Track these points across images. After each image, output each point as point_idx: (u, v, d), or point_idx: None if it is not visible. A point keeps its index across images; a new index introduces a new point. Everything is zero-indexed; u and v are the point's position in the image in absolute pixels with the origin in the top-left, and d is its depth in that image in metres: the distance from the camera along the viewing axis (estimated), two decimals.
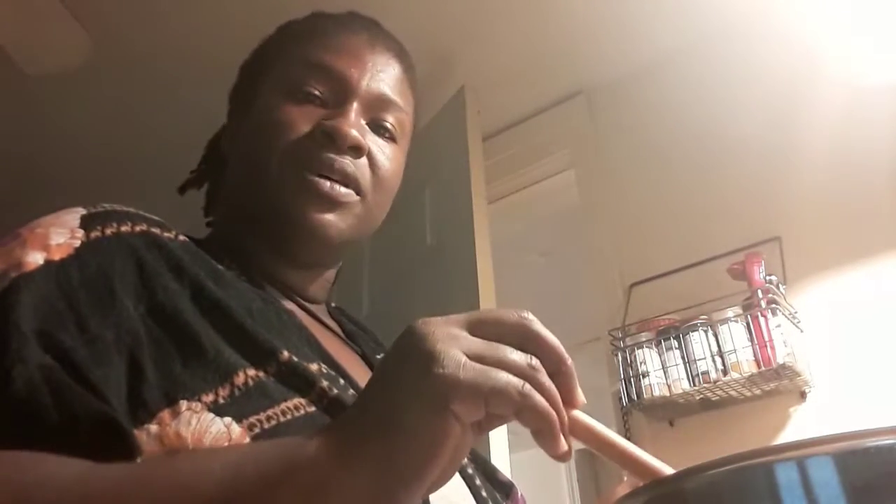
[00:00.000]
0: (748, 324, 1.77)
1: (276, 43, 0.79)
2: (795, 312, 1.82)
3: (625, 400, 1.90)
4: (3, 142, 2.53)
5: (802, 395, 1.81)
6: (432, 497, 0.57)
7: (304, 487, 0.40)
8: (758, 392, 1.80)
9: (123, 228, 0.59)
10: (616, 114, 2.39)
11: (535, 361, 0.43)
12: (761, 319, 1.74)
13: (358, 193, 0.71)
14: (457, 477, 0.67)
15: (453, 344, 0.42)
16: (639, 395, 1.85)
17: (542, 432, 0.43)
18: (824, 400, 1.79)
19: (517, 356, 0.43)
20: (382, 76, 0.74)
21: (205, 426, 0.50)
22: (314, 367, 0.59)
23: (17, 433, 0.45)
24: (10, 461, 0.43)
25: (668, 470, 0.45)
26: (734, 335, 1.77)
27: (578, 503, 4.44)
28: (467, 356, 0.41)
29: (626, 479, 0.72)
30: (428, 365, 0.41)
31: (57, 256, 0.54)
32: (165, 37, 2.21)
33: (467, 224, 1.99)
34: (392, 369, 0.43)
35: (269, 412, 0.53)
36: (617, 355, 1.93)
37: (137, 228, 0.60)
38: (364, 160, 0.72)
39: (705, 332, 1.82)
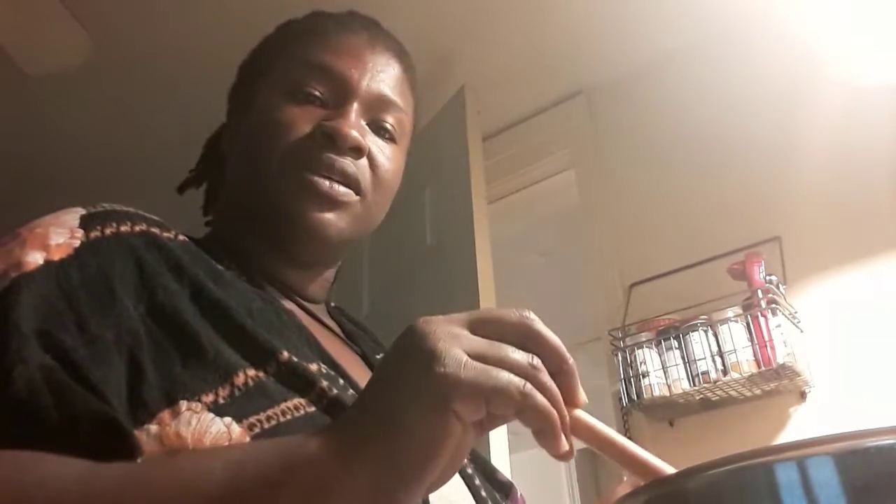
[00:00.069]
0: (748, 324, 1.77)
1: (275, 42, 0.79)
2: (795, 312, 1.82)
3: (625, 400, 1.90)
4: (3, 142, 2.53)
5: (802, 395, 1.81)
6: (432, 497, 0.57)
7: (304, 487, 0.40)
8: (758, 392, 1.80)
9: (123, 228, 0.59)
10: (616, 114, 2.39)
11: (537, 361, 0.43)
12: (761, 319, 1.74)
13: (358, 193, 0.71)
14: (456, 477, 0.67)
15: (454, 343, 0.42)
16: (639, 395, 1.85)
17: (544, 432, 0.43)
18: (824, 400, 1.79)
19: (519, 355, 0.43)
20: (382, 76, 0.75)
21: (205, 426, 0.50)
22: (314, 367, 0.59)
23: (17, 433, 0.45)
24: (11, 461, 0.43)
25: (668, 469, 0.45)
26: (734, 335, 1.77)
27: (578, 503, 4.44)
28: (468, 355, 0.41)
29: (626, 478, 0.72)
30: (429, 364, 0.41)
31: (57, 256, 0.54)
32: (165, 37, 2.21)
33: (467, 224, 1.99)
34: (393, 369, 0.43)
35: (269, 412, 0.53)
36: (617, 355, 1.93)
37: (137, 228, 0.60)
38: (364, 161, 0.72)
39: (705, 332, 1.82)
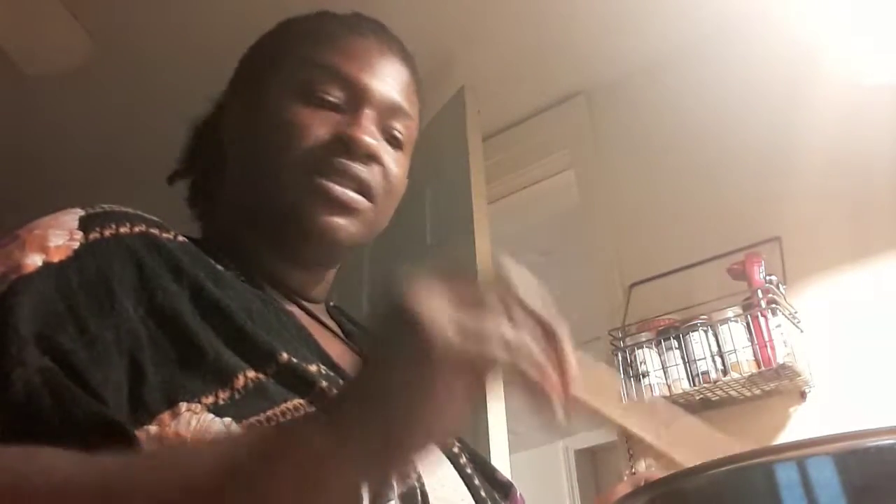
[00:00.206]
0: (748, 324, 1.77)
1: (283, 40, 0.78)
2: (795, 312, 1.82)
3: (625, 400, 1.89)
4: (2, 142, 2.53)
5: (802, 395, 1.81)
6: (431, 497, 0.57)
7: (300, 460, 0.41)
8: (758, 392, 1.80)
9: (122, 230, 0.59)
10: (616, 114, 2.39)
11: (523, 324, 0.44)
12: (761, 319, 1.74)
13: (369, 200, 0.71)
14: (456, 477, 0.67)
15: (441, 310, 0.42)
16: (639, 395, 1.85)
17: (534, 393, 0.43)
18: (824, 400, 1.79)
19: (504, 319, 0.43)
20: (393, 83, 0.75)
21: (205, 427, 0.50)
22: (313, 368, 0.59)
23: (17, 435, 0.45)
24: (10, 452, 0.44)
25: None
26: (734, 335, 1.77)
27: (578, 503, 4.44)
28: (456, 323, 0.42)
29: (625, 478, 0.72)
30: (415, 332, 0.41)
31: (56, 258, 0.54)
32: (165, 37, 2.21)
33: (467, 224, 1.99)
34: (379, 339, 0.44)
35: (269, 413, 0.53)
36: (617, 355, 1.93)
37: (136, 229, 0.60)
38: (376, 167, 0.72)
39: (705, 332, 1.82)
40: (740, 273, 1.84)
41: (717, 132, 2.14)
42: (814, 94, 1.96)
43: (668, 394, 1.82)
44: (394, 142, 0.75)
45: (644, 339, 1.90)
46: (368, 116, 0.72)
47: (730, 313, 1.80)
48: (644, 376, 1.85)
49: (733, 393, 1.80)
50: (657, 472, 0.74)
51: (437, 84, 2.24)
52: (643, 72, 2.34)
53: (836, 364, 1.79)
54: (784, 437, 1.81)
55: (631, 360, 1.89)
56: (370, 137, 0.70)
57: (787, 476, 0.33)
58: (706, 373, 1.78)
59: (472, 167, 2.06)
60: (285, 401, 0.54)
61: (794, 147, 1.97)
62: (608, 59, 2.34)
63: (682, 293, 1.97)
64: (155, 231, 0.62)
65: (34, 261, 0.53)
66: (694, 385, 1.79)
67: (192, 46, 2.19)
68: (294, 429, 0.43)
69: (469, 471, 0.69)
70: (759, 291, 1.77)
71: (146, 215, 0.63)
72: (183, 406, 0.51)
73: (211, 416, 0.51)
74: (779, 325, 1.73)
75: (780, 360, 1.70)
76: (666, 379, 1.83)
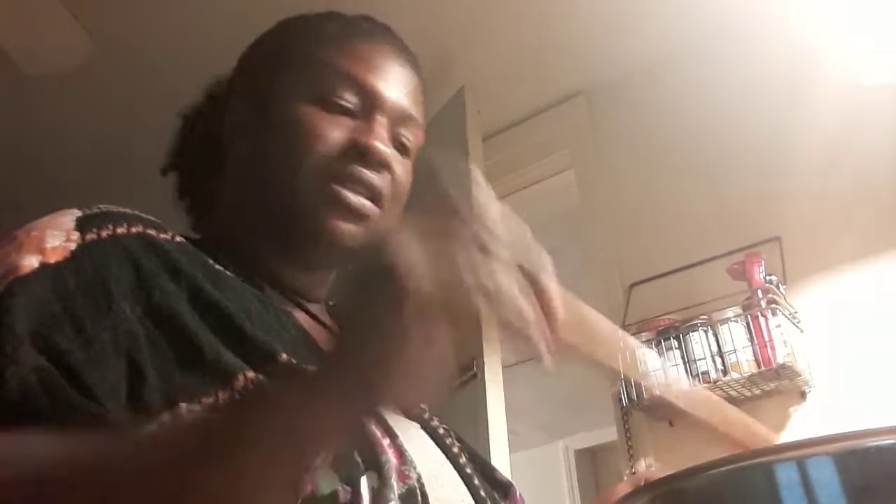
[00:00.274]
0: (748, 324, 1.77)
1: (294, 40, 0.77)
2: (795, 312, 1.82)
3: (625, 400, 1.90)
4: (2, 141, 2.53)
5: (802, 395, 1.81)
6: (431, 497, 0.57)
7: (285, 412, 0.41)
8: (758, 392, 1.80)
9: (119, 230, 0.59)
10: (616, 114, 2.39)
11: (504, 268, 0.43)
12: (761, 319, 1.74)
13: (379, 207, 0.71)
14: (455, 477, 0.67)
15: (418, 256, 0.42)
16: (639, 394, 1.85)
17: (519, 337, 0.43)
18: (824, 400, 1.79)
19: (484, 263, 0.43)
20: (405, 90, 0.75)
21: None
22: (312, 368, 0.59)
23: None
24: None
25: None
26: (734, 335, 1.77)
27: (578, 503, 4.44)
28: (433, 270, 0.41)
29: (625, 478, 0.72)
30: (391, 280, 0.41)
31: (52, 259, 0.54)
32: (165, 37, 2.21)
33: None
34: (359, 288, 0.45)
35: None
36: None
37: (133, 230, 0.60)
38: (387, 175, 0.72)
39: (705, 332, 1.82)
40: (740, 273, 1.84)
41: (717, 132, 2.14)
42: (814, 94, 1.96)
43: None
44: (402, 149, 0.75)
45: (644, 339, 1.90)
46: (381, 123, 0.72)
47: (730, 313, 1.80)
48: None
49: (733, 393, 1.80)
50: (657, 472, 0.75)
51: (437, 84, 2.24)
52: (643, 72, 2.34)
53: (836, 364, 1.79)
54: (784, 437, 1.81)
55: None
56: (384, 146, 0.70)
57: (787, 476, 0.33)
58: (706, 373, 1.78)
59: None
60: None
61: (794, 147, 1.97)
62: (608, 58, 2.34)
63: (682, 293, 1.97)
64: (152, 231, 0.61)
65: (31, 262, 0.53)
66: (694, 385, 1.79)
67: (192, 46, 2.18)
68: (274, 383, 0.44)
69: (469, 470, 0.69)
70: (759, 291, 1.77)
71: (144, 216, 0.63)
72: (183, 407, 0.51)
73: None
74: (779, 325, 1.73)
75: (780, 360, 1.70)
76: (666, 379, 1.83)
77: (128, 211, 0.62)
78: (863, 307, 1.80)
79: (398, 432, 0.59)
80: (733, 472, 0.34)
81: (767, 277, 1.81)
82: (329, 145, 0.69)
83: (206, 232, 0.77)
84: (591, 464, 4.70)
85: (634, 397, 1.86)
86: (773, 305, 1.74)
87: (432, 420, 0.73)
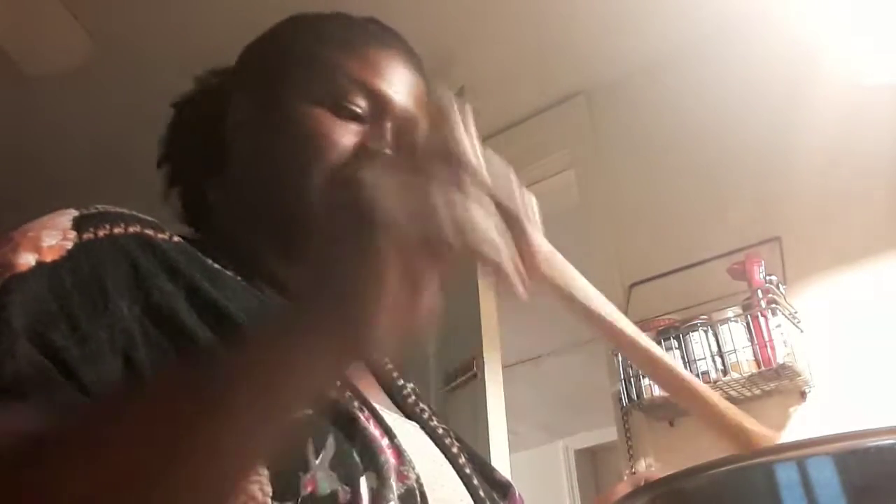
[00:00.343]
0: (748, 324, 1.77)
1: (304, 42, 0.76)
2: (795, 312, 1.82)
3: (625, 400, 1.90)
4: (2, 142, 2.53)
5: (802, 395, 1.81)
6: (430, 497, 0.57)
7: (265, 343, 0.41)
8: (758, 392, 1.80)
9: (116, 230, 0.59)
10: (616, 114, 2.39)
11: (478, 202, 0.42)
12: (761, 319, 1.74)
13: None
14: (454, 477, 0.67)
15: (388, 191, 0.41)
16: (639, 394, 1.85)
17: (494, 273, 0.42)
18: (824, 400, 1.79)
19: (458, 196, 0.42)
20: (412, 96, 0.74)
21: None
22: None
23: None
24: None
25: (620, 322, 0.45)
26: (734, 335, 1.77)
27: (578, 503, 4.44)
28: (403, 204, 0.41)
29: (625, 478, 0.72)
30: (360, 215, 0.41)
31: (49, 258, 0.54)
32: (165, 37, 2.21)
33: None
34: (329, 225, 0.44)
35: None
36: (617, 355, 1.93)
37: (131, 230, 0.60)
38: None
39: (705, 332, 1.82)
40: (740, 273, 1.84)
41: (716, 132, 2.14)
42: (814, 94, 1.96)
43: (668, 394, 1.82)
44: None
45: None
46: (390, 129, 0.72)
47: (730, 313, 1.80)
48: (644, 376, 1.85)
49: (733, 393, 1.80)
50: (657, 472, 0.74)
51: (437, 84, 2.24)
52: (643, 72, 2.34)
53: (836, 364, 1.79)
54: (784, 437, 1.81)
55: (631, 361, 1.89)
56: (392, 151, 0.70)
57: (787, 476, 0.33)
58: (706, 373, 1.78)
59: None
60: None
61: (794, 147, 1.97)
62: (608, 59, 2.34)
63: (682, 293, 1.97)
64: (150, 231, 0.61)
65: (27, 260, 0.53)
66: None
67: (192, 46, 2.18)
68: (255, 329, 0.43)
69: (468, 471, 0.69)
70: (759, 291, 1.77)
71: (141, 216, 0.63)
72: None
73: None
74: (779, 325, 1.73)
75: (780, 360, 1.70)
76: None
77: (125, 211, 0.62)
78: (863, 307, 1.80)
79: (396, 432, 0.59)
80: (733, 472, 0.34)
81: (767, 277, 1.81)
82: (338, 149, 0.69)
83: (203, 231, 0.77)
84: (591, 464, 4.70)
85: (634, 397, 1.86)
86: (773, 305, 1.74)
87: (431, 420, 0.73)
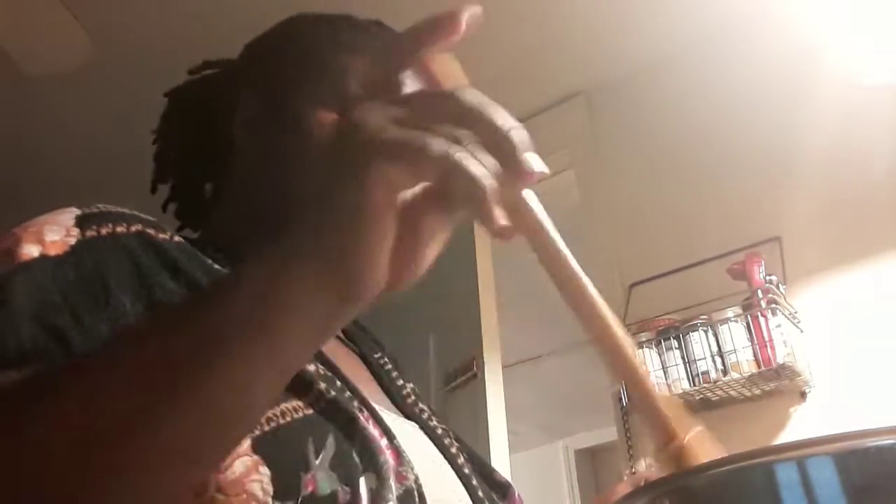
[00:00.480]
0: (748, 324, 1.77)
1: (311, 43, 0.76)
2: (795, 312, 1.82)
3: (625, 400, 1.90)
4: (2, 141, 2.54)
5: (802, 395, 1.81)
6: (429, 498, 0.57)
7: (254, 288, 0.39)
8: (758, 392, 1.81)
9: (119, 229, 0.59)
10: (616, 114, 2.39)
11: (468, 132, 0.39)
12: (761, 319, 1.74)
13: None
14: (454, 477, 0.67)
15: (371, 112, 0.40)
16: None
17: (474, 202, 0.38)
18: (824, 400, 1.79)
19: (445, 126, 0.39)
20: None
21: None
22: (311, 368, 0.59)
23: None
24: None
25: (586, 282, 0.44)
26: (734, 335, 1.77)
27: (578, 503, 4.44)
28: (391, 122, 0.39)
29: (625, 478, 0.72)
30: (347, 134, 0.39)
31: (52, 252, 0.54)
32: (165, 37, 2.21)
33: (467, 223, 1.99)
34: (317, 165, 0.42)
35: (269, 414, 0.52)
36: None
37: (133, 229, 0.60)
38: None
39: (705, 332, 1.82)
40: (740, 273, 1.84)
41: (716, 132, 2.14)
42: (814, 94, 1.96)
43: (667, 394, 1.82)
44: None
45: (644, 339, 1.90)
46: None
47: (730, 313, 1.80)
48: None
49: (733, 393, 1.80)
50: (657, 472, 0.74)
51: None
52: (643, 71, 2.35)
53: (836, 364, 1.79)
54: (784, 437, 1.81)
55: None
56: None
57: (787, 476, 0.33)
58: (706, 373, 1.78)
59: None
60: (284, 401, 0.54)
61: (795, 147, 1.97)
62: (608, 58, 2.34)
63: (682, 293, 1.97)
64: (151, 231, 0.61)
65: (31, 251, 0.53)
66: (694, 385, 1.79)
67: (192, 47, 2.18)
68: (243, 267, 0.41)
69: (467, 471, 0.69)
70: (759, 291, 1.77)
71: (142, 216, 0.63)
72: None
73: None
74: (779, 325, 1.73)
75: (780, 360, 1.70)
76: (666, 379, 1.83)
77: (126, 211, 0.62)
78: (863, 307, 1.80)
79: (396, 433, 0.59)
80: (733, 472, 0.34)
81: (767, 277, 1.81)
82: None
83: (202, 230, 0.77)
84: (591, 464, 4.71)
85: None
86: (773, 305, 1.74)
87: (431, 420, 0.73)
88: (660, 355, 1.86)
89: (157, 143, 0.83)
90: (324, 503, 0.50)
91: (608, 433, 3.21)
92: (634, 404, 0.43)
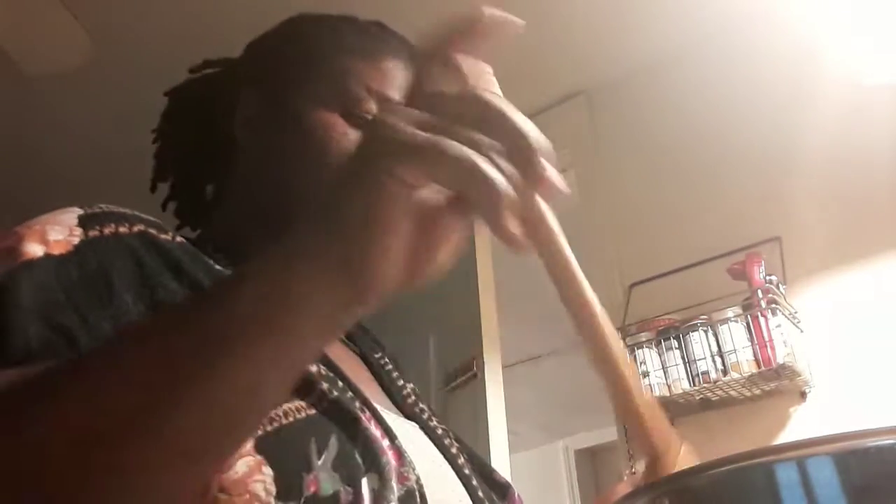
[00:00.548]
0: (748, 324, 1.77)
1: (314, 43, 0.76)
2: (795, 312, 1.82)
3: None
4: (2, 141, 2.54)
5: (802, 395, 1.81)
6: (430, 498, 0.57)
7: (264, 282, 0.39)
8: (758, 392, 1.81)
9: (122, 229, 0.59)
10: (616, 114, 2.39)
11: (487, 139, 0.39)
12: (761, 319, 1.74)
13: None
14: (454, 477, 0.67)
15: (391, 115, 0.39)
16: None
17: (486, 208, 0.37)
18: (824, 400, 1.79)
19: (465, 129, 0.38)
20: None
21: None
22: (313, 369, 0.59)
23: None
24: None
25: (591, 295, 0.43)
26: (734, 335, 1.77)
27: (578, 503, 4.44)
28: (410, 125, 0.38)
29: (625, 478, 0.72)
30: (367, 138, 0.39)
31: (56, 251, 0.54)
32: (165, 37, 2.21)
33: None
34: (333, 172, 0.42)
35: (272, 414, 0.53)
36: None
37: (135, 229, 0.60)
38: None
39: (705, 332, 1.82)
40: (740, 273, 1.84)
41: (717, 132, 2.14)
42: (814, 94, 1.96)
43: (668, 394, 1.82)
44: None
45: (644, 339, 1.90)
46: None
47: (730, 313, 1.80)
48: (644, 376, 1.85)
49: (733, 393, 1.80)
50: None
51: None
52: (643, 71, 2.35)
53: (836, 364, 1.79)
54: (784, 437, 1.81)
55: (631, 361, 1.89)
56: None
57: (787, 476, 0.33)
58: (706, 373, 1.78)
59: None
60: (287, 401, 0.54)
61: (795, 147, 1.97)
62: (609, 58, 2.34)
63: (682, 293, 1.97)
64: (153, 231, 0.61)
65: (35, 250, 0.53)
66: (694, 385, 1.79)
67: (192, 47, 2.18)
68: (253, 265, 0.40)
69: (467, 471, 0.69)
70: (759, 291, 1.77)
71: (144, 216, 0.63)
72: None
73: None
74: (779, 325, 1.73)
75: (780, 360, 1.70)
76: (666, 379, 1.83)
77: (128, 211, 0.62)
78: (863, 307, 1.80)
79: (397, 433, 0.59)
80: (733, 472, 0.34)
81: (767, 277, 1.81)
82: (346, 155, 0.69)
83: (203, 230, 0.77)
84: (591, 464, 4.71)
85: None
86: (773, 305, 1.74)
87: (431, 420, 0.73)
88: (660, 355, 1.86)
89: (157, 142, 0.83)
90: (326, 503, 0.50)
91: (608, 433, 3.21)
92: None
